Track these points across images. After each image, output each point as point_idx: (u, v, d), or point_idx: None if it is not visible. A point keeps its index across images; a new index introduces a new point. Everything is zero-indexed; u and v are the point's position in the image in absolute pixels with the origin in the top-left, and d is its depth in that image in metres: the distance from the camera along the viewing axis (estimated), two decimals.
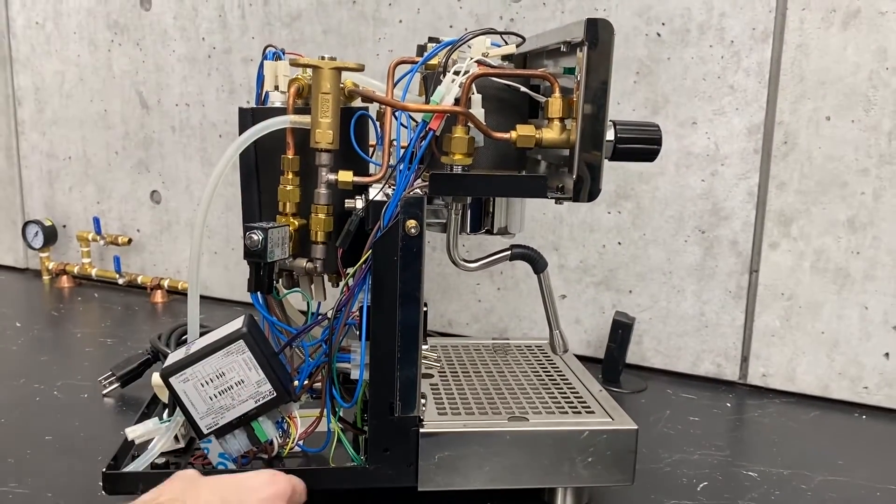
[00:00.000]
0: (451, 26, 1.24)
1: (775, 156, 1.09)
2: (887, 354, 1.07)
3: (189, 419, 0.70)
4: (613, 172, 1.16)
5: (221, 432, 0.71)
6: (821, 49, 1.04)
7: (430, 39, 0.84)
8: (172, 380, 0.69)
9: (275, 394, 0.70)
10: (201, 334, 0.82)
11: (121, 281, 1.56)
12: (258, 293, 0.74)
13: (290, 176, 0.74)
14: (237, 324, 0.72)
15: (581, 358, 1.18)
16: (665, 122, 1.13)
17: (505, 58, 0.81)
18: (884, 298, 1.06)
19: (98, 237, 1.58)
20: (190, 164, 1.51)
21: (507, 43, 0.79)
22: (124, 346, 1.23)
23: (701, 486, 0.85)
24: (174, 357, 0.72)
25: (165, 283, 1.52)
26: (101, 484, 0.71)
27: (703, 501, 0.81)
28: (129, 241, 1.57)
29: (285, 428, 0.73)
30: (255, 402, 0.70)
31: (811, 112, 1.06)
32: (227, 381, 0.70)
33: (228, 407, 0.70)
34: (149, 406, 0.86)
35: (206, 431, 0.70)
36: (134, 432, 0.72)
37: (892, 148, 1.03)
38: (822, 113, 1.05)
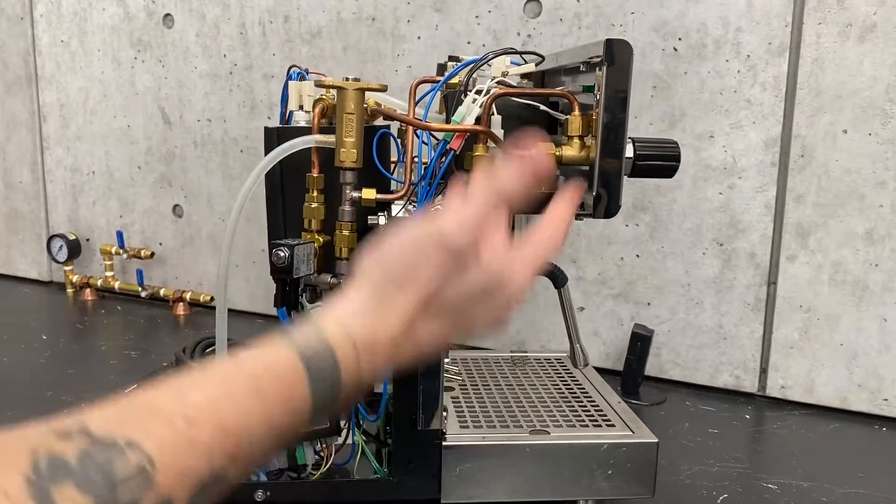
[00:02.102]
0: (468, 42, 1.26)
1: (792, 169, 1.09)
2: None
3: None
4: (631, 185, 1.17)
5: None
6: (837, 63, 1.05)
7: (451, 58, 0.86)
8: None
9: (328, 425, 0.72)
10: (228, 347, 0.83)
11: (143, 294, 1.58)
12: (284, 308, 0.75)
13: (315, 194, 0.76)
14: None
15: (600, 370, 1.19)
16: (682, 136, 1.14)
17: (524, 76, 0.82)
18: None
19: (121, 251, 1.60)
20: (212, 178, 1.53)
21: (525, 62, 0.81)
22: (148, 359, 1.25)
23: (721, 498, 0.85)
24: None
25: (187, 296, 1.54)
26: None
27: None
28: (152, 254, 1.60)
29: (321, 455, 0.74)
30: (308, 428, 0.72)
31: (828, 125, 1.07)
32: None
33: None
34: None
35: None
36: None
37: None
38: (838, 126, 1.06)
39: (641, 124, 1.16)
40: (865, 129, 1.05)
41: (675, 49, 1.13)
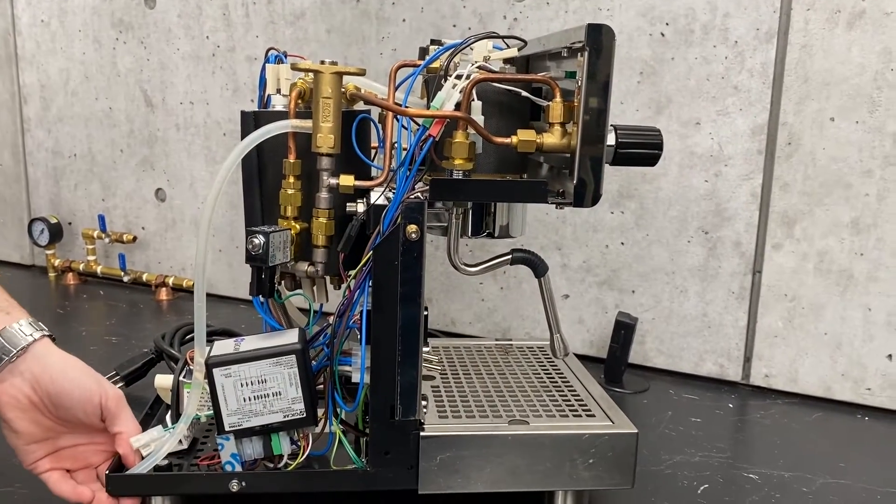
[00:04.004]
0: (454, 25, 1.24)
1: (779, 157, 1.08)
2: (890, 356, 1.07)
3: (216, 412, 0.70)
4: (617, 173, 1.16)
5: (242, 434, 0.71)
6: (825, 50, 1.04)
7: (433, 42, 0.84)
8: (216, 371, 0.69)
9: (304, 415, 0.71)
10: (209, 334, 0.82)
11: (126, 278, 1.57)
12: (260, 296, 0.74)
13: (292, 180, 0.74)
14: (291, 336, 0.72)
15: (584, 358, 1.19)
16: (668, 123, 1.13)
17: (507, 61, 0.81)
18: (887, 300, 1.06)
19: (103, 234, 1.58)
20: (194, 162, 1.51)
21: (508, 46, 0.79)
22: (129, 345, 1.24)
23: (701, 488, 0.85)
24: (221, 349, 0.72)
25: (170, 281, 1.53)
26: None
27: None
28: (134, 238, 1.58)
29: (298, 444, 0.74)
30: (284, 417, 0.71)
31: (815, 113, 1.06)
32: (265, 389, 0.70)
33: (258, 413, 0.70)
34: (152, 406, 0.87)
35: (228, 428, 0.70)
36: (139, 441, 0.72)
37: None
38: (826, 114, 1.05)
39: (628, 110, 1.15)
40: (853, 117, 1.04)
41: (663, 34, 1.11)
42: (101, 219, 1.58)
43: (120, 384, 1.04)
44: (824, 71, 1.04)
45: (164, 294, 1.52)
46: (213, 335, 1.08)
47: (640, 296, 1.19)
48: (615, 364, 1.14)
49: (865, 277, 1.06)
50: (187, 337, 1.06)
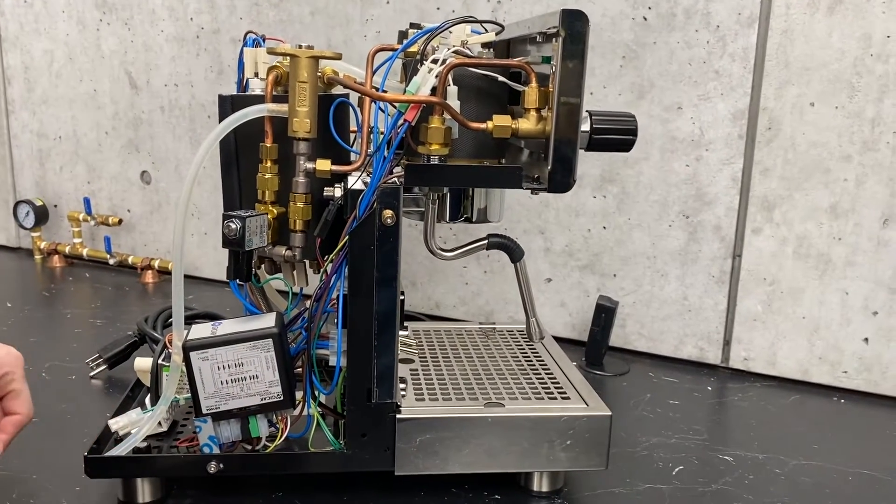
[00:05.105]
0: (438, 8, 1.24)
1: (759, 141, 1.09)
2: (866, 339, 1.08)
3: (193, 395, 0.71)
4: (599, 157, 1.17)
5: (219, 417, 0.72)
6: (806, 35, 1.04)
7: (412, 25, 0.84)
8: (193, 355, 0.70)
9: (281, 398, 0.72)
10: (188, 317, 0.82)
11: (111, 261, 1.57)
12: (237, 280, 0.75)
13: (269, 164, 0.75)
14: (268, 320, 0.73)
15: (565, 341, 1.20)
16: (650, 107, 1.13)
17: (486, 45, 0.81)
18: (864, 284, 1.07)
19: (89, 217, 1.58)
20: (179, 144, 1.51)
21: (486, 30, 0.79)
22: (113, 328, 1.24)
23: (676, 470, 0.86)
24: (198, 332, 0.72)
25: (156, 264, 1.53)
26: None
27: (676, 486, 0.83)
28: (120, 221, 1.58)
29: (277, 427, 0.74)
30: (261, 400, 0.72)
31: (795, 98, 1.06)
32: (242, 372, 0.71)
33: (235, 396, 0.71)
34: (132, 389, 0.88)
35: (205, 411, 0.71)
36: (117, 423, 0.73)
37: (875, 135, 1.03)
38: (806, 99, 1.05)
39: (610, 95, 1.15)
40: (832, 103, 1.04)
41: (645, 18, 1.11)
42: (87, 201, 1.58)
43: (103, 366, 1.04)
44: (805, 56, 1.05)
45: (149, 277, 1.52)
46: (196, 318, 1.09)
47: (621, 279, 1.20)
48: (596, 347, 1.15)
49: (843, 262, 1.07)
50: (170, 320, 1.06)
